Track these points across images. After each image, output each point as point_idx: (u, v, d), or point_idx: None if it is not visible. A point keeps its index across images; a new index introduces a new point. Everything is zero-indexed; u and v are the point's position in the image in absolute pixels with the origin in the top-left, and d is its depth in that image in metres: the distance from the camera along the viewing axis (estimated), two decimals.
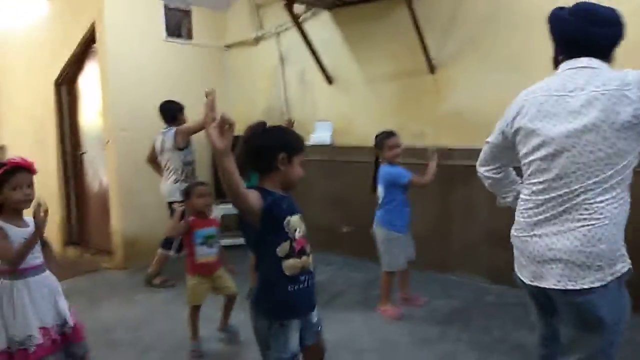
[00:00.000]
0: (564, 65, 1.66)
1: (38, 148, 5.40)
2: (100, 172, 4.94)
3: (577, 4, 1.66)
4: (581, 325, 1.60)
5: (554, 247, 1.59)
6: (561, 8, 1.69)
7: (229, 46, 5.56)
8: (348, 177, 4.73)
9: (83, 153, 5.18)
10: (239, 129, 5.83)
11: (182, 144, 4.16)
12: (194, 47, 5.24)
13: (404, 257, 3.37)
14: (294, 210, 1.81)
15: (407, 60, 4.24)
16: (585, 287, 1.54)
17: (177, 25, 5.07)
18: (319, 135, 4.92)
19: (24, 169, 2.14)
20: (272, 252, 1.74)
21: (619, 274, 1.55)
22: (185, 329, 3.06)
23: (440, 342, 2.99)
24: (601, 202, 1.52)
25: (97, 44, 4.58)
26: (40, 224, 2.07)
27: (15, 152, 5.81)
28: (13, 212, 2.14)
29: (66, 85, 5.14)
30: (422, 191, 3.58)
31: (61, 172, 5.25)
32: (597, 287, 1.53)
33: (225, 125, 1.44)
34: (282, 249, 1.74)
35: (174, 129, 4.17)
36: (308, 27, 4.73)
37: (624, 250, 1.58)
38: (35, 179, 5.86)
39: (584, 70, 1.59)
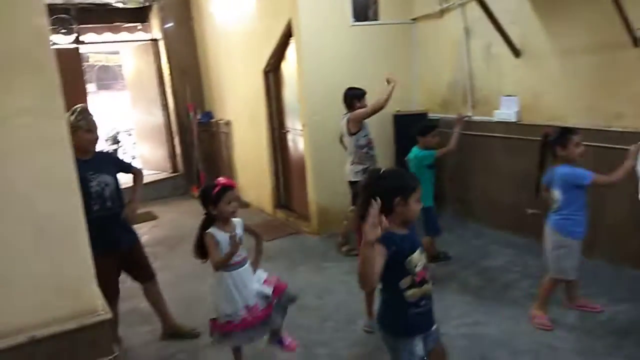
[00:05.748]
0: None
1: (252, 125, 6.40)
2: (299, 149, 5.65)
3: None
4: None
5: None
6: None
7: (415, 19, 5.59)
8: (535, 157, 4.45)
9: (287, 131, 5.95)
10: (423, 104, 5.93)
11: (353, 130, 4.50)
12: (381, 27, 5.42)
13: (577, 265, 3.19)
14: (414, 247, 2.00)
15: (605, 32, 3.74)
16: None
17: (364, 7, 5.31)
18: (503, 111, 4.73)
19: (231, 187, 2.73)
20: (395, 284, 1.98)
21: None
22: (360, 300, 3.50)
23: (605, 357, 2.84)
24: None
25: (293, 39, 5.14)
26: (235, 246, 2.65)
27: (236, 127, 6.99)
28: (224, 221, 2.75)
29: (272, 73, 5.91)
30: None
31: (271, 146, 6.14)
32: None
33: (381, 222, 1.69)
34: (405, 282, 1.97)
35: (348, 115, 4.53)
36: None
37: None
38: (251, 150, 6.92)
39: None
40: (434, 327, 2.16)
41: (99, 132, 3.24)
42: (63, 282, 1.53)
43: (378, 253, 1.86)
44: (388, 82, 4.41)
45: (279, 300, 2.86)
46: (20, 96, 1.39)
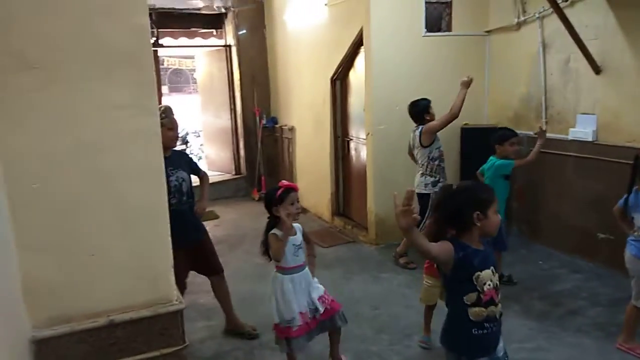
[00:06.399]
0: None
1: (316, 132, 6.47)
2: (361, 158, 5.65)
3: None
4: None
5: None
6: None
7: (489, 31, 5.47)
8: (611, 179, 4.25)
9: (350, 139, 5.97)
10: (494, 118, 5.79)
11: (426, 142, 4.45)
12: (453, 38, 5.34)
13: None
14: (486, 265, 1.94)
15: None
16: None
17: (437, 18, 5.26)
18: (579, 129, 4.53)
19: (294, 190, 2.77)
20: (460, 298, 1.93)
21: None
22: (417, 314, 3.44)
23: None
24: None
25: (364, 48, 5.16)
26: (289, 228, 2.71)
27: (299, 133, 7.09)
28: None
29: (339, 81, 5.96)
30: None
31: (333, 154, 6.18)
32: None
33: (408, 208, 1.69)
34: (470, 297, 1.92)
35: (421, 128, 4.48)
36: (576, 10, 4.33)
37: None
38: (313, 156, 6.98)
39: None
40: (501, 350, 2.06)
41: (179, 130, 3.40)
42: (143, 270, 1.61)
43: (443, 246, 1.89)
44: (468, 81, 4.29)
45: (325, 322, 2.87)
46: (120, 91, 1.49)
